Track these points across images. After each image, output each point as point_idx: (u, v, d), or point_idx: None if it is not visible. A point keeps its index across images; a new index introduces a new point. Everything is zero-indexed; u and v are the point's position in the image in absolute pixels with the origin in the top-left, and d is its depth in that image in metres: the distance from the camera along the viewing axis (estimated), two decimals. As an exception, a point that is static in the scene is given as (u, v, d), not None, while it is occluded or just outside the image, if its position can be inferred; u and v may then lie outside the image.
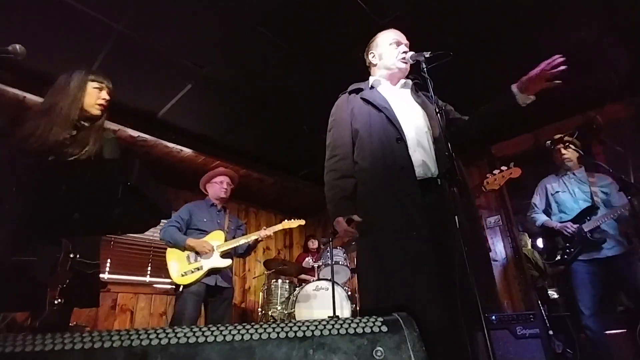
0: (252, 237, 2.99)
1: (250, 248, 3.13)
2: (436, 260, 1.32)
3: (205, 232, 2.94)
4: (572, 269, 2.63)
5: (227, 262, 2.83)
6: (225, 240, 2.93)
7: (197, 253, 2.80)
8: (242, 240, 2.95)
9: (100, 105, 1.77)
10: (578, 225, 2.66)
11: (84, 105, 1.72)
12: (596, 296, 2.52)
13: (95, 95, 1.76)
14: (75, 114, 1.67)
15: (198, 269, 2.75)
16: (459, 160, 1.58)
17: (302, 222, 3.33)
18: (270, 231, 3.03)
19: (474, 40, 2.86)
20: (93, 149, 1.68)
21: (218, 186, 3.12)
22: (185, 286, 2.70)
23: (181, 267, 2.77)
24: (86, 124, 1.73)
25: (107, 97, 1.81)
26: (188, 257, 2.81)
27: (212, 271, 2.78)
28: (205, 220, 2.97)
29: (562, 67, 1.46)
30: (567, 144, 2.87)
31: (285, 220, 3.27)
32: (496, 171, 2.53)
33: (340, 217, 1.54)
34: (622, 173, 2.76)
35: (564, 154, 2.89)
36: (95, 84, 1.77)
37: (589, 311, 2.48)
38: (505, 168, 2.50)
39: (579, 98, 3.53)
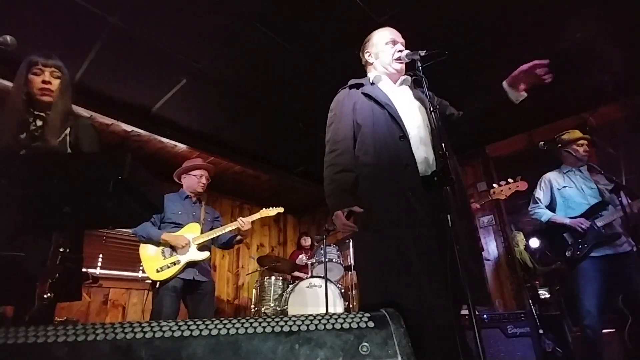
0: (228, 228, 2.88)
1: (232, 240, 2.99)
2: (441, 256, 1.32)
3: (180, 226, 2.83)
4: (580, 267, 2.55)
5: (204, 254, 2.74)
6: (202, 233, 2.83)
7: (173, 247, 2.71)
8: (218, 232, 2.84)
9: (41, 90, 1.66)
10: (590, 220, 2.62)
11: (32, 94, 1.66)
12: (602, 295, 2.47)
13: (36, 81, 1.66)
14: (19, 105, 1.62)
15: (174, 264, 2.65)
16: (454, 158, 1.59)
17: (281, 209, 3.20)
18: (248, 220, 2.90)
19: (471, 38, 2.86)
20: (59, 135, 1.63)
21: (196, 180, 3.00)
22: (162, 282, 2.59)
23: (157, 263, 2.66)
24: (49, 113, 1.67)
25: (48, 79, 1.67)
26: (163, 252, 2.70)
27: (190, 264, 2.68)
28: (180, 213, 2.86)
29: (548, 75, 1.55)
30: (585, 140, 2.85)
31: (264, 209, 3.13)
32: (503, 182, 2.53)
33: (340, 210, 1.52)
34: (614, 175, 2.78)
35: (586, 150, 2.84)
36: (34, 69, 1.67)
37: (596, 310, 2.42)
38: (512, 180, 2.50)
39: (572, 99, 3.56)
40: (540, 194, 2.92)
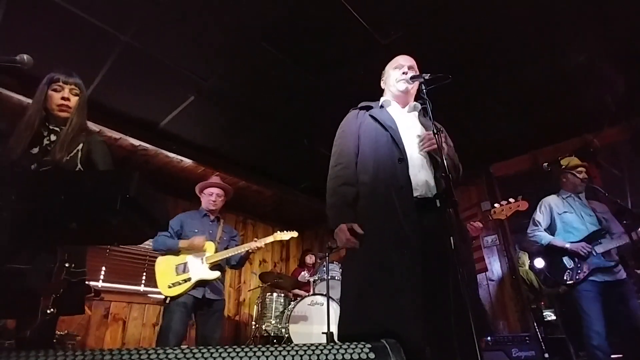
0: (242, 249, 2.92)
1: (243, 259, 3.04)
2: (426, 281, 1.33)
3: None
4: (580, 288, 2.58)
5: (215, 274, 2.77)
6: (216, 252, 2.87)
7: (185, 265, 2.76)
8: (230, 252, 2.87)
9: (60, 106, 1.71)
10: (590, 246, 2.65)
11: (50, 110, 1.71)
12: (605, 318, 2.48)
13: (55, 97, 1.72)
14: (35, 120, 1.65)
15: (186, 280, 2.70)
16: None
17: (295, 234, 3.23)
18: (261, 243, 2.94)
19: (475, 60, 2.91)
20: (71, 151, 1.67)
21: (207, 198, 3.08)
22: (172, 298, 2.65)
23: (169, 279, 2.72)
24: (64, 128, 1.71)
25: (68, 96, 1.73)
26: (177, 268, 2.76)
27: (201, 283, 2.72)
28: (196, 230, 2.92)
29: None
30: (584, 167, 2.89)
31: (278, 232, 3.16)
32: (504, 202, 2.55)
33: (344, 224, 1.52)
34: (619, 196, 2.78)
35: (585, 177, 2.87)
36: (54, 86, 1.72)
37: (602, 331, 2.42)
38: (513, 200, 2.52)
39: (576, 121, 3.58)
40: (540, 217, 2.94)
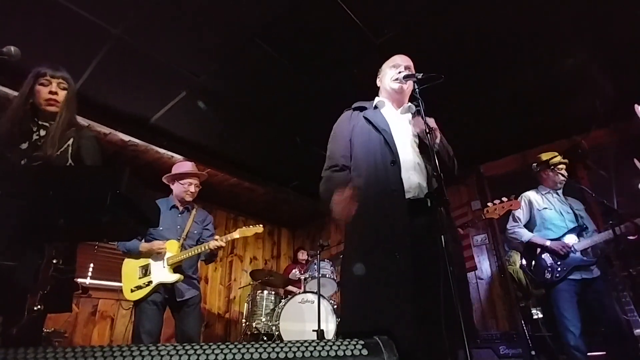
0: (202, 249, 2.68)
1: (212, 255, 2.84)
2: (419, 283, 1.34)
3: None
4: (559, 288, 2.61)
5: (175, 277, 2.60)
6: (183, 248, 2.71)
7: (146, 268, 2.65)
8: (191, 252, 2.67)
9: (48, 100, 1.69)
10: (570, 245, 2.67)
11: (38, 105, 1.68)
12: (581, 316, 2.52)
13: (43, 92, 1.69)
14: (19, 115, 1.63)
15: (147, 284, 2.58)
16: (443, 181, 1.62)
17: (260, 229, 3.04)
18: (222, 242, 2.71)
19: (468, 61, 2.93)
20: (61, 145, 1.65)
21: (185, 188, 2.86)
22: (136, 301, 2.56)
23: (132, 282, 2.62)
24: (53, 123, 1.69)
25: (55, 90, 1.70)
26: (139, 271, 2.65)
27: (163, 286, 2.59)
28: (161, 229, 2.73)
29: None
30: (564, 164, 2.91)
31: (244, 227, 2.99)
32: (497, 201, 2.57)
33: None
34: (606, 197, 2.83)
35: (565, 175, 2.89)
36: (42, 80, 1.69)
37: (579, 331, 2.46)
38: (506, 199, 2.53)
39: (565, 123, 3.64)
40: (521, 212, 2.93)
